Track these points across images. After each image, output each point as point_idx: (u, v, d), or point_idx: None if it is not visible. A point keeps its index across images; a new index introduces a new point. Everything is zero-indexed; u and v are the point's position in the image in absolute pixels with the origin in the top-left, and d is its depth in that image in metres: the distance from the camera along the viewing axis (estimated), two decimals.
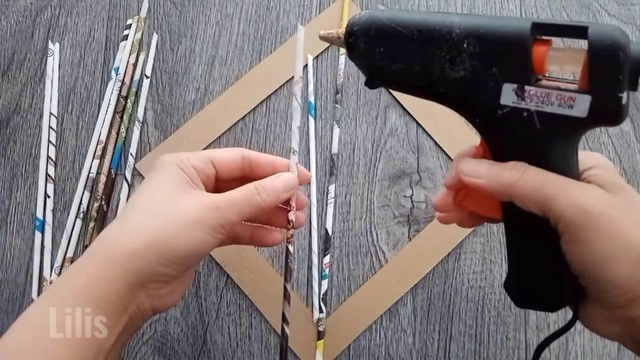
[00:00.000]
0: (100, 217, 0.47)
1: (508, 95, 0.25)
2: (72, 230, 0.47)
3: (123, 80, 0.49)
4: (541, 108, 0.24)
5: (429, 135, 0.48)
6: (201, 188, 0.32)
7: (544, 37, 0.25)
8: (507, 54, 0.24)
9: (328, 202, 0.46)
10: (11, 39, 0.51)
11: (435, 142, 0.48)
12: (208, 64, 0.50)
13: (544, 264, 0.28)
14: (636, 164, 0.47)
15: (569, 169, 0.26)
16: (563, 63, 0.24)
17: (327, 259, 0.45)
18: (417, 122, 0.48)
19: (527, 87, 0.24)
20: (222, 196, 0.30)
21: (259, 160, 0.34)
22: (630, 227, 0.24)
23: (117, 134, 0.49)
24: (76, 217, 0.47)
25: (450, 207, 0.31)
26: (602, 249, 0.24)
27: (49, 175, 0.48)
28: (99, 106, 0.49)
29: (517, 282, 0.30)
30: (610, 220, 0.24)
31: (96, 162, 0.48)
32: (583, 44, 0.23)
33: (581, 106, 0.23)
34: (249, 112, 0.49)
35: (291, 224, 0.34)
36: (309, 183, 0.47)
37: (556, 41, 0.25)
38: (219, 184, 0.34)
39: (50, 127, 0.49)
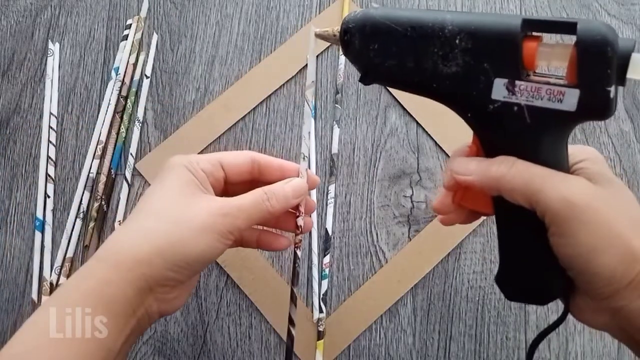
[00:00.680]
0: (100, 217, 0.47)
1: (499, 90, 0.25)
2: (72, 230, 0.46)
3: (123, 80, 0.49)
4: (531, 102, 0.25)
5: (429, 135, 0.48)
6: (210, 192, 0.32)
7: (535, 34, 0.25)
8: (499, 49, 0.25)
9: (328, 202, 0.46)
10: (11, 39, 0.51)
11: (435, 142, 0.48)
12: (208, 64, 0.50)
13: (533, 257, 0.28)
14: (636, 164, 0.47)
15: (558, 162, 0.26)
16: (553, 59, 0.25)
17: (327, 259, 0.45)
18: (417, 122, 0.48)
19: (517, 82, 0.25)
20: (231, 201, 0.30)
21: (268, 164, 0.34)
22: (616, 219, 0.24)
23: (117, 134, 0.49)
24: (76, 217, 0.47)
25: (450, 208, 0.31)
26: (587, 241, 0.24)
27: (49, 175, 0.48)
28: (99, 106, 0.49)
29: (508, 276, 0.30)
30: (596, 212, 0.24)
31: (96, 162, 0.48)
32: (573, 39, 0.24)
33: (570, 100, 0.24)
34: (249, 112, 0.49)
35: (300, 229, 0.34)
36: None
37: (546, 37, 0.26)
38: (228, 187, 0.34)
39: (50, 127, 0.49)
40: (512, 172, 0.26)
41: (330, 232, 0.46)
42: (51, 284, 0.45)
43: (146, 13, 0.51)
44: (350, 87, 0.49)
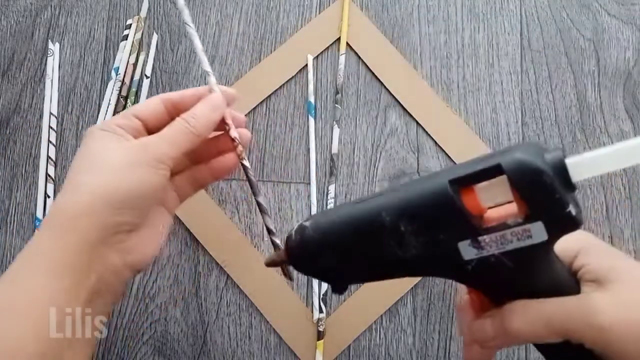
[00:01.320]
0: None
1: (468, 251, 0.24)
2: None
3: (123, 80, 0.49)
4: (503, 249, 0.24)
5: (429, 135, 0.48)
6: (131, 140, 0.31)
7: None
8: (444, 218, 0.24)
9: (328, 202, 0.46)
10: (11, 39, 0.51)
11: (435, 142, 0.48)
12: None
13: None
14: (636, 165, 0.47)
15: (560, 280, 0.26)
16: (496, 198, 0.24)
17: None
18: (417, 122, 0.48)
19: (480, 238, 0.24)
20: (152, 136, 0.31)
21: (180, 98, 0.33)
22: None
23: None
24: None
25: (489, 348, 0.30)
26: (635, 348, 0.23)
27: (49, 175, 0.48)
28: (99, 106, 0.49)
29: None
30: (627, 324, 0.23)
31: None
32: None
33: (539, 232, 0.23)
34: (249, 112, 0.49)
35: (236, 140, 0.34)
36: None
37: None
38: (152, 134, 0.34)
39: (50, 127, 0.49)
40: (528, 320, 0.25)
41: None
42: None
43: (146, 13, 0.51)
44: (350, 87, 0.49)
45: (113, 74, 0.50)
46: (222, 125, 0.34)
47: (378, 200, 0.26)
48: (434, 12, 0.51)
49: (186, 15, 0.35)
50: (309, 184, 0.47)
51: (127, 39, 0.50)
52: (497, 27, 0.50)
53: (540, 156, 0.22)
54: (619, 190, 0.47)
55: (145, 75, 0.50)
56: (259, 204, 0.35)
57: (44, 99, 0.49)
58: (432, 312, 0.45)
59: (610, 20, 0.50)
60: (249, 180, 0.35)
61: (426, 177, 0.26)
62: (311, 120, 0.48)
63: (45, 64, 0.50)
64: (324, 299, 0.44)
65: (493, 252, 0.24)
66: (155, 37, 0.51)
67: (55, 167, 0.48)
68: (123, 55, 0.50)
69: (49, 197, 0.47)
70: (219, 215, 0.46)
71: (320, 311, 0.44)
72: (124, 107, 0.49)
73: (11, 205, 0.48)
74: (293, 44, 0.50)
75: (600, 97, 0.49)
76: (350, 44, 0.49)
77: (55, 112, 0.49)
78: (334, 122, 0.48)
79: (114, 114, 0.49)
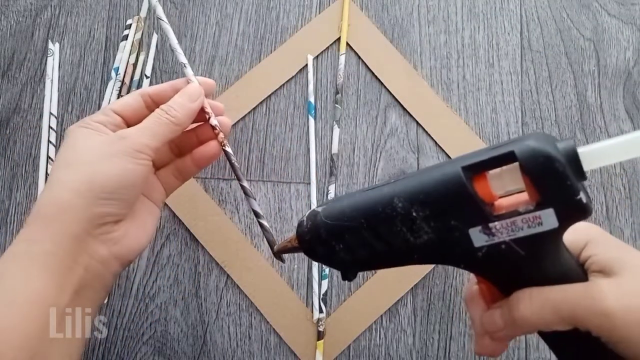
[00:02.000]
0: None
1: (479, 238, 0.25)
2: None
3: (123, 80, 0.49)
4: (514, 235, 0.24)
5: (429, 135, 0.48)
6: (109, 134, 0.32)
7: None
8: (456, 204, 0.24)
9: None
10: (11, 39, 0.51)
11: (435, 142, 0.48)
12: (208, 64, 0.50)
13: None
14: (636, 164, 0.47)
15: (568, 270, 0.26)
16: (507, 186, 0.24)
17: None
18: (417, 122, 0.48)
19: (491, 225, 0.24)
20: (131, 128, 0.31)
21: (158, 91, 0.34)
22: None
23: None
24: None
25: (491, 345, 0.30)
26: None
27: (49, 176, 0.48)
28: (99, 106, 0.49)
29: None
30: (632, 311, 0.24)
31: None
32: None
33: (549, 219, 0.23)
34: (249, 112, 0.49)
35: (216, 127, 0.35)
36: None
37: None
38: None
39: (50, 127, 0.49)
40: (535, 307, 0.25)
41: None
42: None
43: (146, 13, 0.51)
44: (351, 87, 0.49)
45: (113, 74, 0.50)
46: (202, 115, 0.35)
47: (390, 186, 0.26)
48: (434, 12, 0.51)
49: (160, 12, 0.37)
50: (309, 184, 0.47)
51: (127, 39, 0.50)
52: (497, 27, 0.50)
53: (553, 144, 0.23)
54: (619, 190, 0.47)
55: (145, 75, 0.50)
56: (243, 187, 0.36)
57: (44, 99, 0.49)
58: (432, 312, 0.45)
59: (610, 20, 0.50)
60: (231, 165, 0.36)
61: (439, 164, 0.26)
62: (311, 120, 0.48)
63: (45, 64, 0.50)
64: (324, 299, 0.44)
65: (504, 239, 0.24)
66: (155, 37, 0.51)
67: None
68: (123, 55, 0.50)
69: None
70: (219, 215, 0.46)
71: (320, 311, 0.44)
72: None
73: (11, 205, 0.48)
74: (293, 44, 0.50)
75: (600, 97, 0.49)
76: (350, 44, 0.50)
77: (55, 112, 0.49)
78: (334, 122, 0.48)
79: None
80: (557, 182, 0.22)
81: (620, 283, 0.24)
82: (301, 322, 0.44)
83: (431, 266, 0.45)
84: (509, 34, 0.50)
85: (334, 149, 0.48)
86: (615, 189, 0.47)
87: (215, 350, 0.44)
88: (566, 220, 0.24)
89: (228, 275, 0.45)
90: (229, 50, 0.50)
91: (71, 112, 0.50)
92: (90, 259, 0.28)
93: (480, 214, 0.24)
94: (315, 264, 0.45)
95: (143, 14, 0.51)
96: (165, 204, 0.46)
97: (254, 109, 0.49)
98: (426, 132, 0.48)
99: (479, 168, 0.24)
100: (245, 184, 0.36)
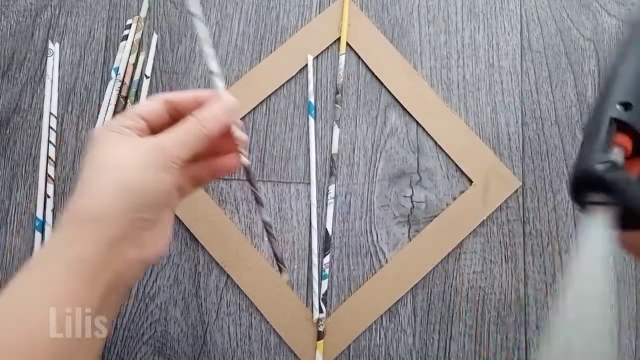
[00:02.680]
0: None
1: None
2: None
3: (123, 80, 0.49)
4: None
5: (429, 135, 0.48)
6: (140, 140, 0.32)
7: None
8: None
9: (328, 202, 0.46)
10: (11, 39, 0.51)
11: (435, 142, 0.48)
12: None
13: None
14: None
15: None
16: None
17: (327, 259, 0.45)
18: (417, 122, 0.48)
19: None
20: (164, 135, 0.31)
21: (180, 99, 0.34)
22: None
23: None
24: None
25: None
26: None
27: (49, 175, 0.48)
28: (99, 106, 0.49)
29: None
30: None
31: None
32: None
33: None
34: (249, 112, 0.49)
35: (238, 140, 0.34)
36: (315, 183, 0.47)
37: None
38: (154, 134, 0.34)
39: (50, 127, 0.49)
40: None
41: (330, 232, 0.46)
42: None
43: (146, 13, 0.51)
44: (351, 87, 0.49)
45: (113, 74, 0.50)
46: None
47: None
48: (434, 12, 0.51)
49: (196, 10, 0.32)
50: (309, 184, 0.47)
51: (127, 39, 0.50)
52: (497, 27, 0.50)
53: None
54: None
55: (145, 75, 0.50)
56: (257, 198, 0.35)
57: (44, 99, 0.49)
58: (432, 312, 0.45)
59: (610, 20, 0.50)
60: (249, 179, 0.35)
61: None
62: (311, 120, 0.48)
63: (45, 64, 0.50)
64: (324, 299, 0.44)
65: None
66: (155, 37, 0.51)
67: (55, 167, 0.48)
68: (123, 55, 0.50)
69: (49, 197, 0.47)
70: (219, 215, 0.46)
71: (320, 311, 0.44)
72: (124, 107, 0.49)
73: (11, 205, 0.48)
74: (293, 44, 0.50)
75: None
76: (350, 44, 0.50)
77: (55, 112, 0.49)
78: (334, 122, 0.48)
79: (113, 114, 0.49)
80: None
81: None
82: (301, 322, 0.44)
83: (431, 266, 0.45)
84: (509, 34, 0.50)
85: (334, 149, 0.48)
86: None
87: (215, 350, 0.44)
88: None
89: (228, 275, 0.45)
90: (229, 50, 0.50)
91: (71, 112, 0.50)
92: (121, 263, 0.29)
93: None
94: (315, 264, 0.45)
95: (143, 14, 0.51)
96: None
97: (254, 109, 0.49)
98: (426, 132, 0.48)
99: None
100: (260, 194, 0.36)
